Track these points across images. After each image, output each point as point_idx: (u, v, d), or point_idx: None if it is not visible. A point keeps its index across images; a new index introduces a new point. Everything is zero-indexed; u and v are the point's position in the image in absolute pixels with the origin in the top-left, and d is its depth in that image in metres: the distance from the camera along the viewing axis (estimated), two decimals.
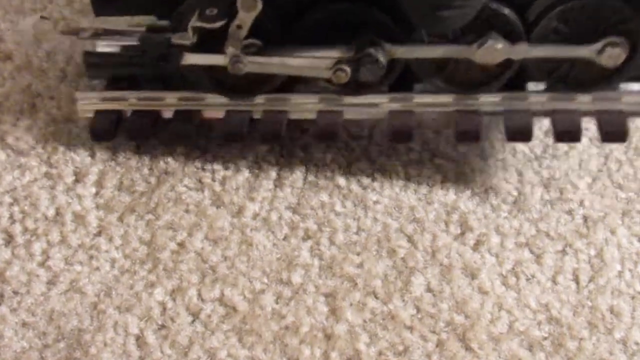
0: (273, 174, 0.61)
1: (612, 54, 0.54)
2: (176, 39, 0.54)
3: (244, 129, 0.58)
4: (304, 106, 0.59)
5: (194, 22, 0.53)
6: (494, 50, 0.55)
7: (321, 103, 0.59)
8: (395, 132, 0.58)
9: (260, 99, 0.58)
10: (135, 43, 0.56)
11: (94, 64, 0.59)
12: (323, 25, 0.56)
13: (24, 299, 0.56)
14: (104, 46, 0.60)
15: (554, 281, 0.56)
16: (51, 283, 0.56)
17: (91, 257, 0.57)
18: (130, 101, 0.59)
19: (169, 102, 0.59)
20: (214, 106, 0.59)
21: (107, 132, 0.60)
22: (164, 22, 0.56)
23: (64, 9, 0.69)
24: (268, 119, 0.59)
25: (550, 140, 0.63)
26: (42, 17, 0.68)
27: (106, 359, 0.53)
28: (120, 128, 0.60)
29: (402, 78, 0.59)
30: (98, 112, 0.60)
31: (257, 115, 0.59)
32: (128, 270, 0.57)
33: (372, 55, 0.55)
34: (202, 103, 0.59)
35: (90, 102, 0.60)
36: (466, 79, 0.58)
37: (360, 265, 0.57)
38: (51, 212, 0.59)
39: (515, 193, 0.60)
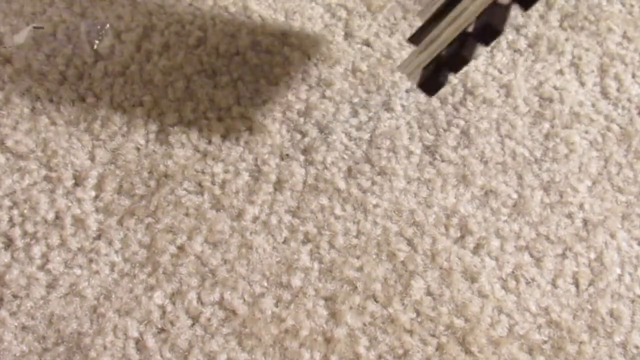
0: (273, 177, 0.61)
1: None
2: None
3: None
4: None
5: None
6: None
7: None
8: None
9: None
10: None
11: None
12: None
13: (24, 303, 0.56)
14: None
15: (554, 285, 0.56)
16: (51, 286, 0.56)
17: (91, 261, 0.57)
18: (441, 37, 0.57)
19: (471, 9, 0.56)
20: None
21: (438, 79, 0.57)
22: None
23: (64, 12, 0.69)
24: None
25: (550, 143, 0.63)
26: (35, 28, 0.68)
27: None
28: (443, 69, 0.57)
29: None
30: (424, 69, 0.58)
31: None
32: (128, 274, 0.57)
33: None
34: None
35: (414, 66, 0.57)
36: None
37: (360, 269, 0.57)
38: (51, 216, 0.59)
39: (515, 196, 0.60)
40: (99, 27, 0.69)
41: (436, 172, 0.61)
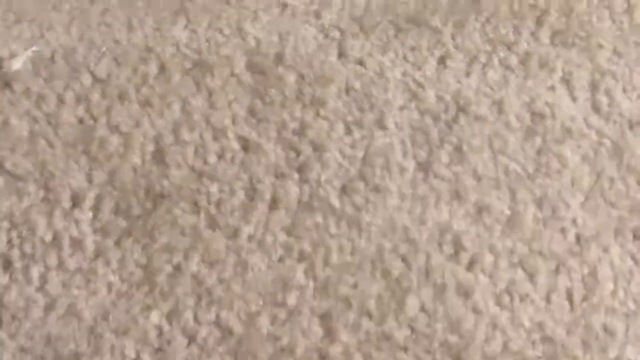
0: (268, 196, 0.62)
1: None
2: None
3: None
4: None
5: None
6: None
7: None
8: None
9: None
10: None
11: None
12: None
13: (22, 324, 0.56)
14: None
15: (548, 300, 0.57)
16: (49, 307, 0.57)
17: (88, 281, 0.58)
18: None
19: None
20: None
21: None
22: None
23: (62, 36, 0.70)
24: None
25: (543, 158, 0.63)
26: (33, 52, 0.69)
27: None
28: None
29: None
30: None
31: None
32: (125, 294, 0.57)
33: None
34: None
35: None
36: None
37: (355, 286, 0.57)
38: (49, 237, 0.60)
39: (508, 212, 0.61)
40: (96, 50, 0.70)
41: (429, 188, 0.62)
